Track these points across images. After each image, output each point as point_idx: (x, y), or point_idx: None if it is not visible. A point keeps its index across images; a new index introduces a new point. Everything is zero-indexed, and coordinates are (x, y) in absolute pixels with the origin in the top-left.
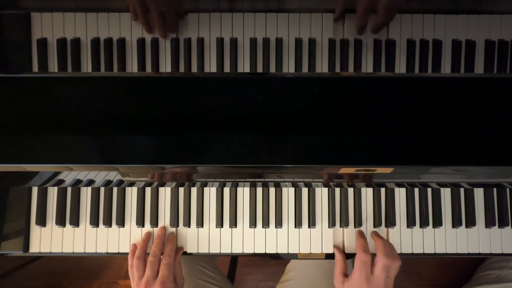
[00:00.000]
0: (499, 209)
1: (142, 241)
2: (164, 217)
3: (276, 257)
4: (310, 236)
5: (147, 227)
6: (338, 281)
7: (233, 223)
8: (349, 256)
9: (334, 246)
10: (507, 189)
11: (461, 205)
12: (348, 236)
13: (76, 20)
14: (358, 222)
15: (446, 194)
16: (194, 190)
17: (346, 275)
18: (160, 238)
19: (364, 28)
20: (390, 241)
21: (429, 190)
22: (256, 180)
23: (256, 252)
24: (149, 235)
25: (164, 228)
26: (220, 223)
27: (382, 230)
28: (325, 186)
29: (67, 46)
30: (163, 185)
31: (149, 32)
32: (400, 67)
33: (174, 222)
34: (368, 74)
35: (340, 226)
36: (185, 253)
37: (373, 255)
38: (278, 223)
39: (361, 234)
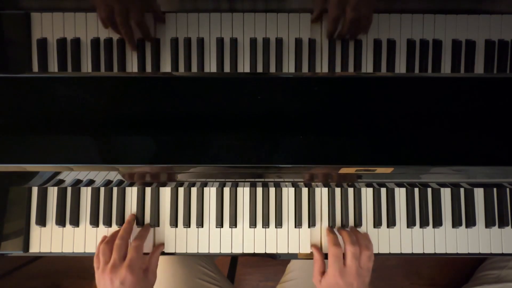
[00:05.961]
0: (499, 209)
1: (116, 231)
2: (164, 217)
3: (276, 257)
4: (310, 236)
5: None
6: (316, 279)
7: (233, 223)
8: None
9: (312, 245)
10: (507, 189)
11: (461, 205)
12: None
13: (76, 20)
14: (358, 222)
15: (446, 194)
16: (194, 190)
17: (324, 273)
18: (129, 223)
19: (334, 33)
20: (391, 241)
21: (429, 190)
22: (256, 180)
23: (256, 252)
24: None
25: (134, 215)
26: (220, 223)
27: (382, 230)
28: (325, 186)
29: (67, 46)
30: (163, 185)
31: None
32: (400, 67)
33: (174, 222)
34: (368, 74)
35: (341, 226)
36: (185, 253)
37: None
38: (278, 223)
39: (331, 230)
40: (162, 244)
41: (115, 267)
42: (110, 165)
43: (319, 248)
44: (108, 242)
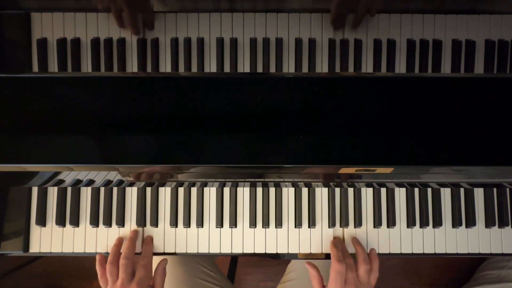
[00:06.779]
0: (499, 209)
1: (114, 245)
2: (164, 217)
3: (276, 257)
4: (310, 236)
5: (148, 227)
6: None
7: (233, 223)
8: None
9: (306, 263)
10: (507, 189)
11: (461, 205)
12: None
13: (76, 20)
14: (358, 222)
15: (446, 194)
16: (194, 190)
17: (324, 286)
18: (131, 241)
19: (338, 19)
20: (391, 241)
21: (429, 190)
22: (256, 180)
23: (256, 252)
24: (121, 240)
25: (136, 231)
26: (220, 223)
27: (382, 230)
28: (325, 186)
29: (67, 46)
30: (163, 185)
31: (121, 27)
32: (400, 67)
33: (174, 222)
34: (368, 74)
35: (340, 226)
36: (185, 253)
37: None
38: (278, 223)
39: (335, 244)
40: (165, 259)
41: (124, 286)
42: (110, 165)
43: (313, 264)
44: (113, 262)
